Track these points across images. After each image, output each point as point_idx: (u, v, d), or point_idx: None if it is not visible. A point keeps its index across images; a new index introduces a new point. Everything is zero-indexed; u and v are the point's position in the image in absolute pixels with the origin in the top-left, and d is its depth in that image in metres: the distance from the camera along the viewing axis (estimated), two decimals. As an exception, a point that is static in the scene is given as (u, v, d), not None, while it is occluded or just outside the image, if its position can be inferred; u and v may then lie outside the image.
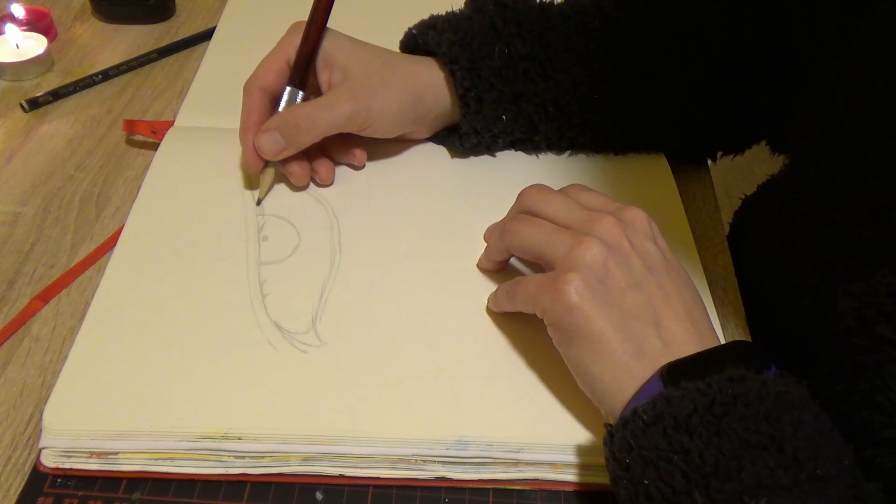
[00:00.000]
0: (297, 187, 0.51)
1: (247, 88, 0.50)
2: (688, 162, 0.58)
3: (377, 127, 0.50)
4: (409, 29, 0.54)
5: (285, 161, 0.50)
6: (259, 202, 0.50)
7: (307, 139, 0.49)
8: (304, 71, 0.49)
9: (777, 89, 0.53)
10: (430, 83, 0.51)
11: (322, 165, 0.52)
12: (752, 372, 0.33)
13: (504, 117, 0.52)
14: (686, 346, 0.36)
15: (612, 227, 0.39)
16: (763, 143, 0.58)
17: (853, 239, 0.37)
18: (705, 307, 0.39)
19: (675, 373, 0.34)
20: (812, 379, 0.34)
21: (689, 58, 0.52)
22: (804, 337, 0.42)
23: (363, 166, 0.53)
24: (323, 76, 0.51)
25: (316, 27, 0.49)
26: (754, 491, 0.30)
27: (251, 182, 0.52)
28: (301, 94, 0.50)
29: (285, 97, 0.50)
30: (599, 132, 0.54)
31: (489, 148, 0.55)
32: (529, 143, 0.55)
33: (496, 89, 0.51)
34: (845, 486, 0.31)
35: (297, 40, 0.49)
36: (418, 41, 0.52)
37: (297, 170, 0.50)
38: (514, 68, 0.51)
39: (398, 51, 0.54)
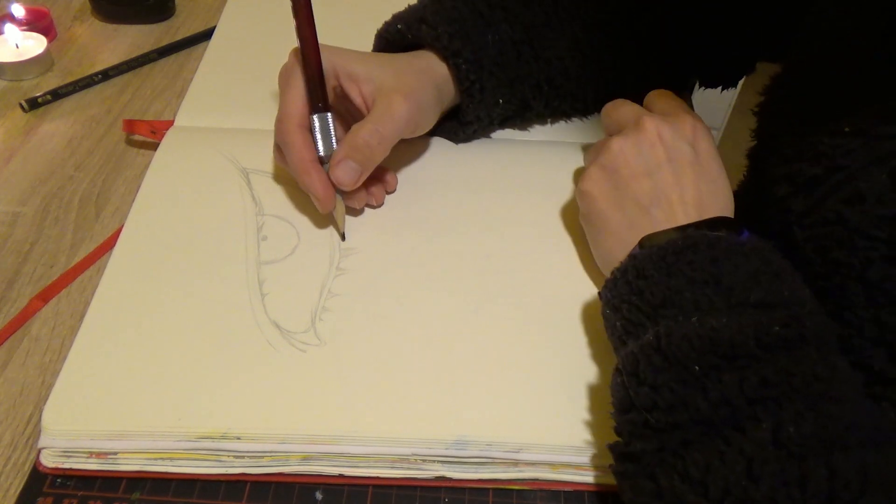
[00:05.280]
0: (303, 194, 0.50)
1: (285, 130, 0.46)
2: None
3: (424, 125, 0.50)
4: (392, 24, 0.52)
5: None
6: (344, 237, 0.48)
7: (380, 156, 0.47)
8: (322, 92, 0.47)
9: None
10: (443, 76, 0.50)
11: (372, 186, 0.50)
12: (713, 233, 0.38)
13: (500, 101, 0.53)
14: (678, 224, 0.40)
15: (649, 122, 0.44)
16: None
17: (804, 181, 0.40)
18: (728, 205, 0.43)
19: (649, 241, 0.40)
20: None
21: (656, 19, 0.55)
22: None
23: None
24: (353, 92, 0.48)
25: (309, 44, 0.46)
26: (690, 313, 0.35)
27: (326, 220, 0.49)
28: (330, 115, 0.47)
29: (317, 125, 0.47)
30: (584, 98, 0.57)
31: (485, 131, 0.56)
32: (519, 119, 0.57)
33: (495, 76, 0.51)
34: (782, 313, 0.34)
35: (298, 69, 0.47)
36: (407, 36, 0.51)
37: (359, 195, 0.49)
38: (508, 54, 0.51)
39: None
